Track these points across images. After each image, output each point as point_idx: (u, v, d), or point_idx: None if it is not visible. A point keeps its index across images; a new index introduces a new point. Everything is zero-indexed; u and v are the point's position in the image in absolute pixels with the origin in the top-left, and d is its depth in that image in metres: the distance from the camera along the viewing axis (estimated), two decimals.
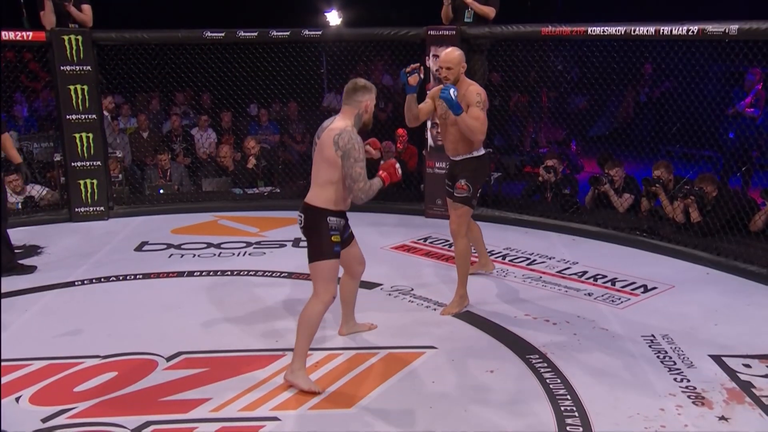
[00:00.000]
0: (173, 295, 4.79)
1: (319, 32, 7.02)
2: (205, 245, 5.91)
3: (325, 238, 3.45)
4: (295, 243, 5.94)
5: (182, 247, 5.88)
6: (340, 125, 3.42)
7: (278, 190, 7.58)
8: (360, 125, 3.51)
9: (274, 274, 5.16)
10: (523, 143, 8.50)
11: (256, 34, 6.87)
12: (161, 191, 7.42)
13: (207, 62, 7.24)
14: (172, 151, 7.93)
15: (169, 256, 5.63)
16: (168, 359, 3.77)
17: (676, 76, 5.77)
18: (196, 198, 7.41)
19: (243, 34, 6.86)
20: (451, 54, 4.30)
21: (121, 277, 5.13)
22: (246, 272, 5.21)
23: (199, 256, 5.63)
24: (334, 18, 15.45)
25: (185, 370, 3.66)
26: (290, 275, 5.11)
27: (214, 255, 5.65)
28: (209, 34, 6.83)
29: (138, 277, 5.15)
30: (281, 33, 6.87)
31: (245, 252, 5.73)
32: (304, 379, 3.44)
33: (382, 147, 7.53)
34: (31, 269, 5.25)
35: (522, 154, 8.11)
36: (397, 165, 3.61)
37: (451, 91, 4.04)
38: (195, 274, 5.20)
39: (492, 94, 6.33)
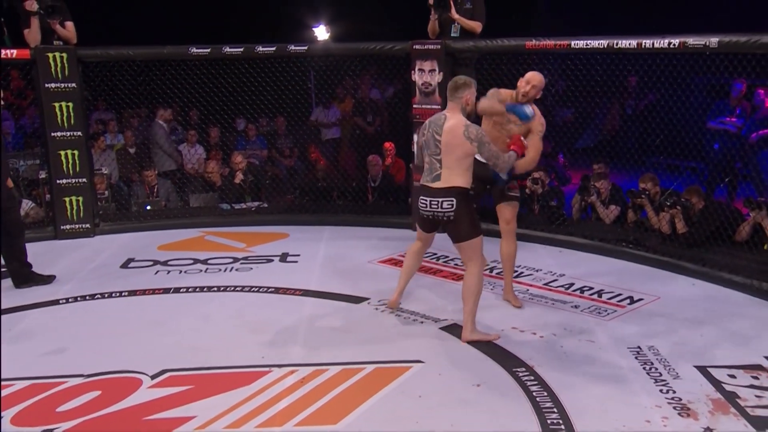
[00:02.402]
0: (159, 312, 4.76)
1: (305, 47, 7.02)
2: (191, 261, 5.88)
3: (475, 215, 4.00)
4: (282, 258, 5.93)
5: (169, 263, 5.84)
6: (458, 120, 3.95)
7: (266, 205, 7.55)
8: (465, 116, 4.03)
9: (261, 290, 5.14)
10: None
11: (241, 49, 6.87)
12: (148, 207, 7.39)
13: (193, 78, 7.23)
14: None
15: (156, 273, 5.60)
16: (153, 377, 3.74)
17: (659, 88, 5.81)
18: (183, 214, 7.38)
19: (229, 50, 6.85)
20: (539, 75, 4.57)
21: (106, 295, 5.09)
22: (233, 288, 5.19)
23: (185, 272, 5.60)
24: (321, 33, 15.53)
25: (170, 388, 3.63)
26: (277, 290, 5.10)
27: (201, 271, 5.62)
28: (195, 50, 6.82)
29: (124, 294, 5.11)
30: (267, 48, 6.87)
31: (232, 267, 5.70)
32: (480, 334, 4.08)
33: (369, 161, 7.58)
34: (50, 279, 5.35)
35: None
36: (522, 138, 4.28)
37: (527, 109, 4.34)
38: (181, 290, 5.17)
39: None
